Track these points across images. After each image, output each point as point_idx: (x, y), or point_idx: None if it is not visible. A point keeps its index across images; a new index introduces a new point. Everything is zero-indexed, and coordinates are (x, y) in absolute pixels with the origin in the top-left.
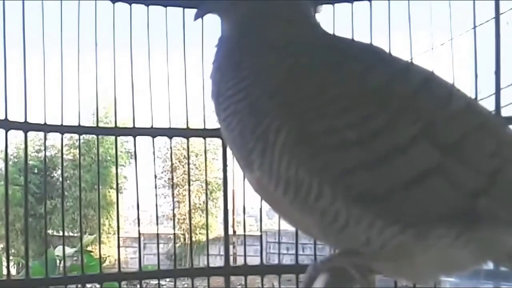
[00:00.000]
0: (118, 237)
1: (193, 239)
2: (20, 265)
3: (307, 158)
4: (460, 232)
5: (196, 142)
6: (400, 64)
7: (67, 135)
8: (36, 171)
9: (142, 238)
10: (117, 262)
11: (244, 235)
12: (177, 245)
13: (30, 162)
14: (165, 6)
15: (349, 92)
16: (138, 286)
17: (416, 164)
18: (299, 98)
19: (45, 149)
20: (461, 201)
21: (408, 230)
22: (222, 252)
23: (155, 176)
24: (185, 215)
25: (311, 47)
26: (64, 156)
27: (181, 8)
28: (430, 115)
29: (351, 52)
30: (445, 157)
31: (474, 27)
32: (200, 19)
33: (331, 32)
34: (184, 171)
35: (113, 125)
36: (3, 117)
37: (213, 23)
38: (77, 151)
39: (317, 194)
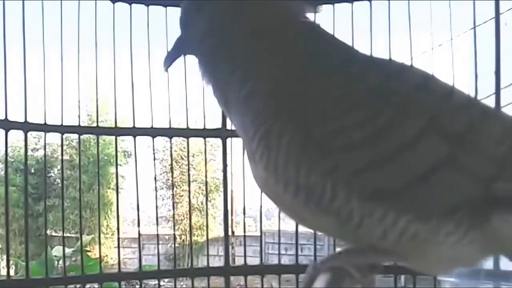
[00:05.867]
0: (118, 238)
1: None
2: (18, 266)
3: (316, 162)
4: (471, 226)
5: (192, 143)
6: (397, 65)
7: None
8: (32, 171)
9: (140, 239)
10: (114, 262)
11: (244, 236)
12: (175, 246)
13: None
14: (165, 6)
15: (351, 92)
16: (138, 286)
17: (426, 157)
18: (300, 101)
19: (45, 149)
20: (475, 189)
21: (423, 223)
22: (220, 253)
23: (155, 178)
24: (182, 216)
25: (308, 50)
26: (60, 156)
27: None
28: (434, 109)
29: (347, 54)
30: (455, 148)
31: (474, 27)
32: None
33: (331, 32)
34: (181, 171)
35: (109, 124)
36: (3, 117)
37: None
38: (73, 151)
39: (331, 196)
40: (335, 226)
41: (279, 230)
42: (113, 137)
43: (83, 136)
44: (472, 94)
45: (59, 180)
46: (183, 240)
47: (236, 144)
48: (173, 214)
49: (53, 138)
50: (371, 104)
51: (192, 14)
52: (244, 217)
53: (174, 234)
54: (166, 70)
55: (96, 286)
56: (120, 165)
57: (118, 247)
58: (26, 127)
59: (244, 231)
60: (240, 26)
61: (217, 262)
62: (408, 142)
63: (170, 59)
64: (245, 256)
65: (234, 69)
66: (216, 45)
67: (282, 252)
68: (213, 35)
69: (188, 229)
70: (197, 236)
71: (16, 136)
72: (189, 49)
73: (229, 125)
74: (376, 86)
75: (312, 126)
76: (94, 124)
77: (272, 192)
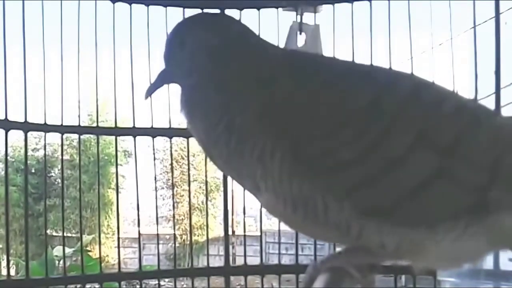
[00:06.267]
0: (118, 238)
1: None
2: (19, 266)
3: (308, 178)
4: (470, 223)
5: (192, 143)
6: (386, 76)
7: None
8: (33, 171)
9: (141, 239)
10: (115, 262)
11: (244, 235)
12: (176, 245)
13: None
14: (165, 6)
15: (338, 111)
16: (138, 286)
17: (417, 172)
18: (288, 120)
19: (45, 149)
20: (469, 197)
21: (420, 231)
22: (221, 253)
23: (155, 177)
24: (183, 216)
25: (291, 70)
26: (60, 156)
27: (181, 8)
28: (422, 122)
29: (334, 71)
30: (445, 160)
31: (474, 26)
32: None
33: (331, 32)
34: (182, 171)
35: (109, 124)
36: (3, 117)
37: None
38: (74, 150)
39: (325, 209)
40: (337, 237)
41: (279, 230)
42: (113, 137)
43: (83, 136)
44: (472, 94)
45: (59, 180)
46: (184, 240)
47: None
48: (174, 214)
49: (53, 138)
50: (359, 122)
51: (175, 50)
52: (245, 216)
53: (174, 234)
54: (146, 98)
55: (96, 286)
56: (121, 165)
57: (118, 247)
58: (26, 127)
59: (244, 231)
60: (222, 66)
61: (217, 262)
62: (398, 159)
63: (152, 88)
64: (245, 256)
65: (218, 119)
66: (198, 85)
67: (283, 251)
68: (195, 74)
69: (188, 228)
70: (197, 236)
71: (16, 136)
72: (172, 80)
73: None
74: (365, 103)
75: (300, 146)
76: (94, 124)
77: (275, 210)
